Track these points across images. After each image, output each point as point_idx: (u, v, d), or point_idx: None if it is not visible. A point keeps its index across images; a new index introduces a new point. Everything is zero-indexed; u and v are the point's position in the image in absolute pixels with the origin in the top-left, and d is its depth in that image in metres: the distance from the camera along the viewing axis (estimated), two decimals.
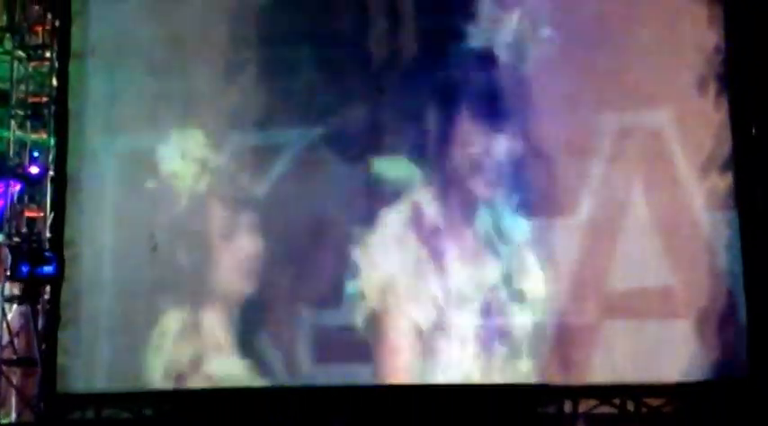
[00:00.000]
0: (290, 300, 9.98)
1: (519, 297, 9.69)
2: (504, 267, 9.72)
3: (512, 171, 9.83)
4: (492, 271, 9.73)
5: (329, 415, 9.73)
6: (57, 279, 7.97)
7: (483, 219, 9.79)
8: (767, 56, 9.58)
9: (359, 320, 9.84)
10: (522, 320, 9.66)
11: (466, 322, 9.73)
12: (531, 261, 9.69)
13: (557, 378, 9.60)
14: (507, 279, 9.72)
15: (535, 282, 9.69)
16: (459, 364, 9.71)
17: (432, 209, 9.88)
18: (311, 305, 9.94)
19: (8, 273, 9.71)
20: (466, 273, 9.76)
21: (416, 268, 9.85)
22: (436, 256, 9.81)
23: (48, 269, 8.16)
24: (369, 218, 9.93)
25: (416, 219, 9.89)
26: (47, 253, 8.11)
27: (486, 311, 9.72)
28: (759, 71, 9.59)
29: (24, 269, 7.84)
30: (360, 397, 9.78)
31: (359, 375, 9.79)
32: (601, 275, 9.62)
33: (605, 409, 9.59)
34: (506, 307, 9.71)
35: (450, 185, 9.90)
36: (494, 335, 9.67)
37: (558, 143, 9.82)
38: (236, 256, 10.11)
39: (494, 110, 9.91)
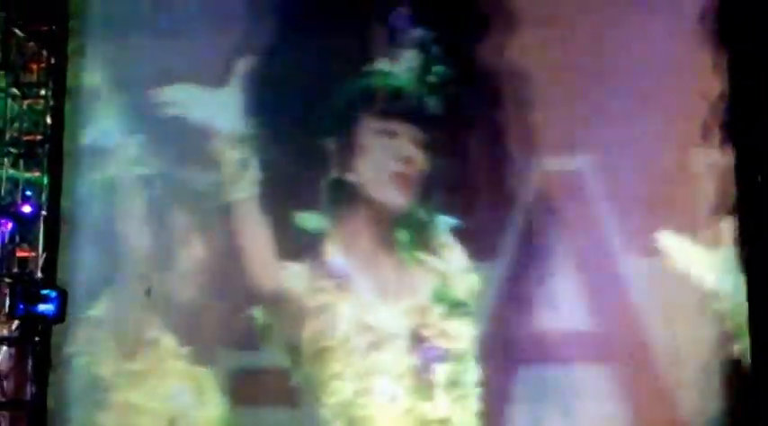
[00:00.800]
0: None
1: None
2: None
3: None
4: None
5: None
6: (57, 320, 7.70)
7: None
8: None
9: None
10: None
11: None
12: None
13: None
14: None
15: None
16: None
17: None
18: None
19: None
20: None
21: None
22: None
23: (45, 308, 7.88)
24: None
25: None
26: (45, 292, 7.83)
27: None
28: (764, 118, 9.59)
29: (21, 307, 7.57)
30: None
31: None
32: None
33: None
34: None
35: None
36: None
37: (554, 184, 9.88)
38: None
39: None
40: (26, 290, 7.69)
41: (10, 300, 8.54)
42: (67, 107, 10.48)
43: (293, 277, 9.92)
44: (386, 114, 10.01)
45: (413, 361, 9.69)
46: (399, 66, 10.02)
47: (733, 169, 9.58)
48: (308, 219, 9.99)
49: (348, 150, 10.02)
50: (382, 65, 10.07)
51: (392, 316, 9.77)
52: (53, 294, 7.54)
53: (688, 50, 9.78)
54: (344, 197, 10.00)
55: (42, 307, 7.64)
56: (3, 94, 10.58)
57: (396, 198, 9.93)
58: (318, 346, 9.83)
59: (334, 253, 9.95)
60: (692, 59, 9.75)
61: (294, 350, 9.86)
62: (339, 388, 9.74)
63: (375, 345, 9.74)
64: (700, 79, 9.71)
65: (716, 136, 9.62)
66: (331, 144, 10.04)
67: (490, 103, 9.93)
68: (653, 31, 9.80)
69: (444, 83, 9.93)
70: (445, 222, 9.83)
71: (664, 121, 9.68)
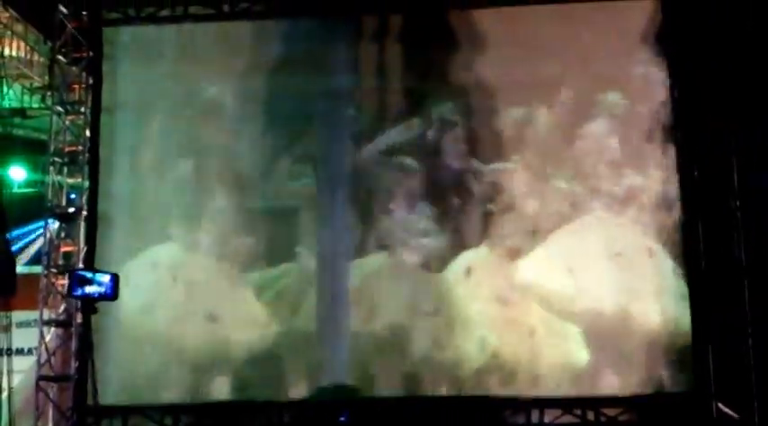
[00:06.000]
0: None
1: None
2: None
3: None
4: None
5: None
6: (112, 298, 8.94)
7: None
8: (710, 107, 10.75)
9: None
10: None
11: None
12: None
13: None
14: None
15: None
16: None
17: None
18: None
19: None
20: None
21: None
22: None
23: (99, 289, 8.99)
24: None
25: None
26: (100, 275, 8.92)
27: None
28: (703, 121, 10.81)
29: (79, 290, 8.80)
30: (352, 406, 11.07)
31: None
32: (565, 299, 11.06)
33: (568, 419, 10.77)
34: None
35: None
36: None
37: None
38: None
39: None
40: (82, 275, 8.88)
41: (69, 283, 9.82)
42: (102, 121, 11.97)
43: None
44: None
45: None
46: None
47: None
48: None
49: None
50: None
51: None
52: (108, 277, 8.76)
53: (635, 63, 11.19)
54: None
55: (97, 289, 8.80)
56: (49, 112, 12.14)
57: None
58: None
59: None
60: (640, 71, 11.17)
61: None
62: None
63: None
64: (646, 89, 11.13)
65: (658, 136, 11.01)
66: None
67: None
68: (606, 48, 11.24)
69: None
70: None
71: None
